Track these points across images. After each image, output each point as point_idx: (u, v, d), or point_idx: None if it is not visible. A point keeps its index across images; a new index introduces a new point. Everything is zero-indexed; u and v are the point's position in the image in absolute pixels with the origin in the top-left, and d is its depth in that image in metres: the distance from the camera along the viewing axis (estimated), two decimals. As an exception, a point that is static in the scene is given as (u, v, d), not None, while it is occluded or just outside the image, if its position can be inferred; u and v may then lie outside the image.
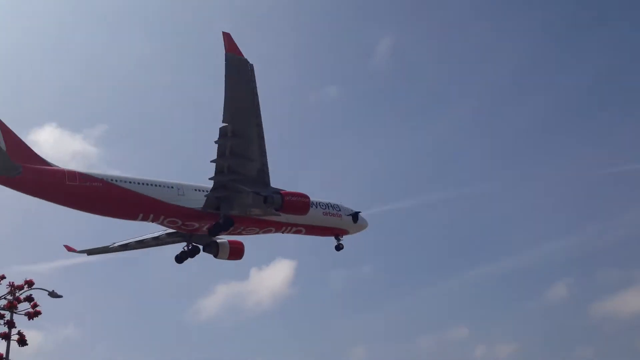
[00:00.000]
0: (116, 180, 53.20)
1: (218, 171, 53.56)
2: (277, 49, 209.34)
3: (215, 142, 51.00)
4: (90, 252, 65.45)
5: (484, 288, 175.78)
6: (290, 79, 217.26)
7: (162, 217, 55.93)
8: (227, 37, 46.29)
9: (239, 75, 47.31)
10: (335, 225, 64.30)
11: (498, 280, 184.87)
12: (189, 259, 62.15)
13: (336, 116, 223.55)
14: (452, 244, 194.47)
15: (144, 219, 55.95)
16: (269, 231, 62.47)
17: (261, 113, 49.80)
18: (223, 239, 62.95)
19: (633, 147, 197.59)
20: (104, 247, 65.21)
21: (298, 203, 55.59)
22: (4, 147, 48.16)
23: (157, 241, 63.11)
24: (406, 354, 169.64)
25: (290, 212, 56.50)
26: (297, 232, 63.65)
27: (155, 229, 62.18)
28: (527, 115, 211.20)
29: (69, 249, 65.21)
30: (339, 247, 66.06)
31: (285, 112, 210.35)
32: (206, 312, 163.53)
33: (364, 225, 67.16)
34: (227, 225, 56.57)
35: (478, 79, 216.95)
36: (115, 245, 64.39)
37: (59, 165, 52.54)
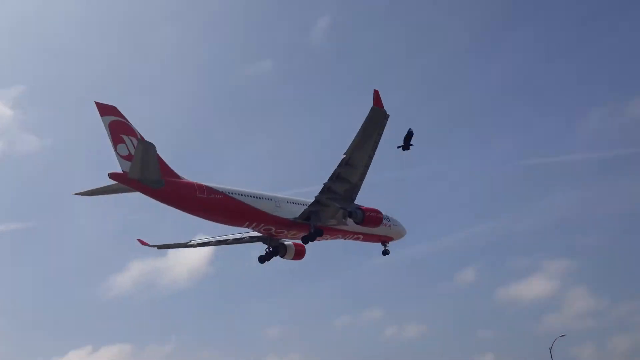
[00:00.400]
0: (233, 194, 60.15)
1: (323, 190, 60.89)
2: (216, 18, 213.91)
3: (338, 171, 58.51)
4: (161, 246, 71.51)
5: (398, 272, 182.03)
6: (226, 50, 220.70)
7: (261, 225, 63.27)
8: (376, 93, 52.88)
9: (376, 124, 54.35)
10: (386, 233, 71.98)
11: (411, 265, 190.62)
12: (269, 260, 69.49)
13: (269, 91, 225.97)
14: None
15: (248, 225, 63.22)
16: (337, 238, 69.94)
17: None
18: (289, 241, 69.81)
19: (545, 141, 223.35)
20: (181, 243, 70.76)
21: (375, 218, 63.43)
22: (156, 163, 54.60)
23: (237, 241, 69.53)
24: (322, 334, 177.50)
25: (367, 225, 63.49)
26: (356, 239, 71.14)
27: (231, 231, 68.37)
28: (449, 107, 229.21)
29: (142, 242, 70.90)
30: (385, 253, 74.11)
31: (218, 84, 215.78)
32: (119, 288, 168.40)
33: (404, 232, 74.63)
34: (317, 235, 63.92)
35: (409, 69, 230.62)
36: (194, 242, 70.66)
37: (187, 178, 58.88)
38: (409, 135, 57.78)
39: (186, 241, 71.42)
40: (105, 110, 54.78)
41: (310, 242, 65.69)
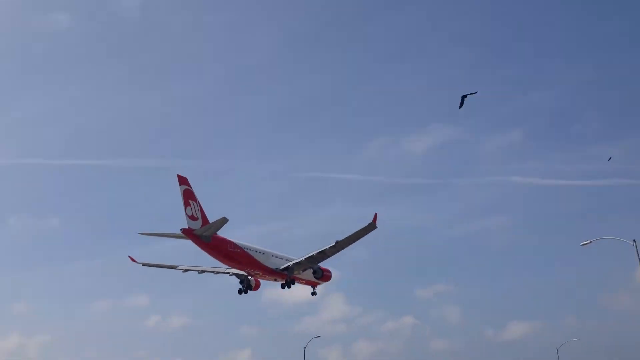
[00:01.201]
0: (247, 249, 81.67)
1: (309, 258, 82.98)
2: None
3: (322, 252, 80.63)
4: (144, 264, 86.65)
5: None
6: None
7: (254, 270, 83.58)
8: (375, 216, 73.47)
9: (366, 232, 75.58)
10: (324, 281, 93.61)
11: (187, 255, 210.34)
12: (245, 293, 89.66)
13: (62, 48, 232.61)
14: (146, 214, 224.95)
15: (246, 269, 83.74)
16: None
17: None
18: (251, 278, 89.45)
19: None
20: (169, 265, 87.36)
21: (329, 276, 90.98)
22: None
23: (219, 272, 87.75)
24: (79, 314, 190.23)
25: (322, 280, 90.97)
26: (304, 283, 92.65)
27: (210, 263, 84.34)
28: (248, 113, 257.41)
29: (132, 259, 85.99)
30: (314, 294, 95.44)
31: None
32: None
33: (330, 279, 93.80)
34: (292, 283, 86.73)
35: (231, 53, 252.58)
36: (182, 267, 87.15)
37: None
38: (467, 96, 73.50)
39: (174, 265, 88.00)
40: (182, 180, 75.65)
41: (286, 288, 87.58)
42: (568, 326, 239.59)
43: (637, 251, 37.90)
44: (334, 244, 78.68)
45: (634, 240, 38.36)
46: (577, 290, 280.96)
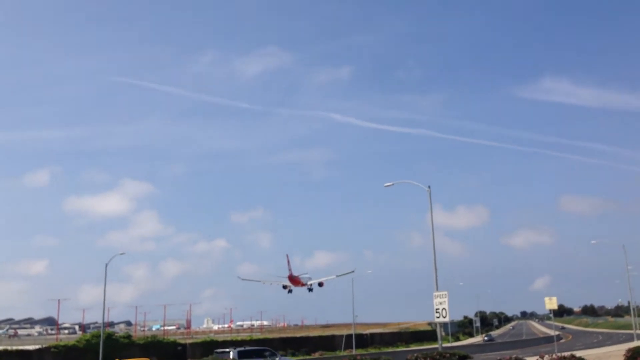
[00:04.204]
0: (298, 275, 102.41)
1: None
2: None
3: None
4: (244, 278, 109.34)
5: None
6: None
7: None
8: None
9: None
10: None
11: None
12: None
13: None
14: None
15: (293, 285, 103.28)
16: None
17: None
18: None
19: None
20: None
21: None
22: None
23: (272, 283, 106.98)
24: None
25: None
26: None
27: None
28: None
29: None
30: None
31: None
32: None
33: None
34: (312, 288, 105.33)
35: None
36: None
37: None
38: None
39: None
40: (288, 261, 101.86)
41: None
42: (365, 259, 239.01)
43: (429, 197, 38.06)
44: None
45: (429, 187, 38.36)
46: (376, 226, 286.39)
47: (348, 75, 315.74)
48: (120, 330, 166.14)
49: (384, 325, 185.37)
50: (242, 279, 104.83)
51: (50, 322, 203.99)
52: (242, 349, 49.66)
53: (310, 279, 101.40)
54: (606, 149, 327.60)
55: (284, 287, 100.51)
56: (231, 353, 47.21)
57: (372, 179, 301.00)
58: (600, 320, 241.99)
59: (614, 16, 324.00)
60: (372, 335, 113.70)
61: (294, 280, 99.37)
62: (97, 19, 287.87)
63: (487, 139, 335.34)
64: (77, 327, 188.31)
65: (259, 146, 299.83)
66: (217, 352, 51.45)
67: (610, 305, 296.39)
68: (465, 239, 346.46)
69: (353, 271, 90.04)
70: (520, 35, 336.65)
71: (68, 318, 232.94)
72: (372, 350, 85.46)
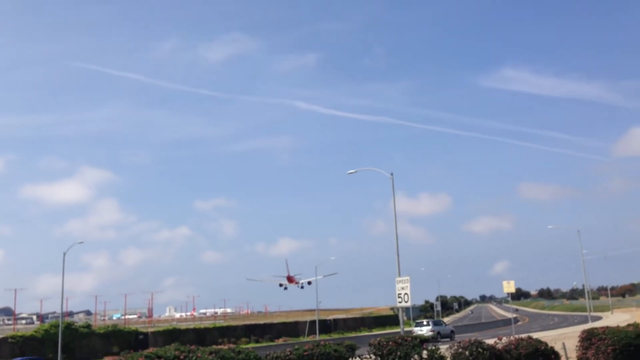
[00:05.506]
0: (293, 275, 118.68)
1: None
2: None
3: None
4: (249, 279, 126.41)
5: None
6: None
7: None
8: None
9: None
10: None
11: None
12: None
13: None
14: None
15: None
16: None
17: None
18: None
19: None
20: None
21: None
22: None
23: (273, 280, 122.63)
24: None
25: None
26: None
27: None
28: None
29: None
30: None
31: None
32: None
33: None
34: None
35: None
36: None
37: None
38: None
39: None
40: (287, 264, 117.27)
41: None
42: (329, 246, 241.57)
43: (392, 184, 37.99)
44: None
45: (392, 174, 38.48)
46: (341, 213, 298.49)
47: (313, 63, 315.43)
48: (79, 319, 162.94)
49: (347, 310, 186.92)
50: (248, 279, 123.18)
51: (7, 312, 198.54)
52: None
53: (301, 278, 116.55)
54: (565, 137, 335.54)
55: (280, 285, 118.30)
56: None
57: (336, 167, 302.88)
58: (556, 303, 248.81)
59: (574, 7, 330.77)
60: (336, 320, 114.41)
61: (291, 279, 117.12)
62: (56, 2, 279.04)
63: (451, 127, 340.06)
64: (34, 317, 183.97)
65: (223, 133, 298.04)
66: None
67: (565, 288, 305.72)
68: (428, 226, 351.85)
69: (336, 273, 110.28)
70: (482, 25, 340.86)
71: (25, 308, 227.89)
72: (335, 336, 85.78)
